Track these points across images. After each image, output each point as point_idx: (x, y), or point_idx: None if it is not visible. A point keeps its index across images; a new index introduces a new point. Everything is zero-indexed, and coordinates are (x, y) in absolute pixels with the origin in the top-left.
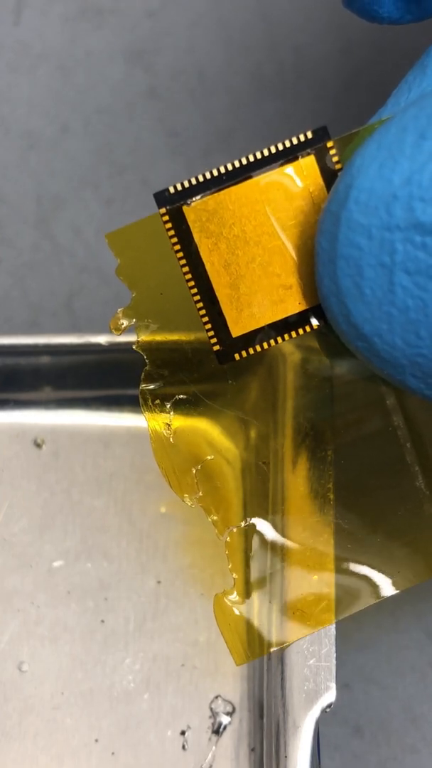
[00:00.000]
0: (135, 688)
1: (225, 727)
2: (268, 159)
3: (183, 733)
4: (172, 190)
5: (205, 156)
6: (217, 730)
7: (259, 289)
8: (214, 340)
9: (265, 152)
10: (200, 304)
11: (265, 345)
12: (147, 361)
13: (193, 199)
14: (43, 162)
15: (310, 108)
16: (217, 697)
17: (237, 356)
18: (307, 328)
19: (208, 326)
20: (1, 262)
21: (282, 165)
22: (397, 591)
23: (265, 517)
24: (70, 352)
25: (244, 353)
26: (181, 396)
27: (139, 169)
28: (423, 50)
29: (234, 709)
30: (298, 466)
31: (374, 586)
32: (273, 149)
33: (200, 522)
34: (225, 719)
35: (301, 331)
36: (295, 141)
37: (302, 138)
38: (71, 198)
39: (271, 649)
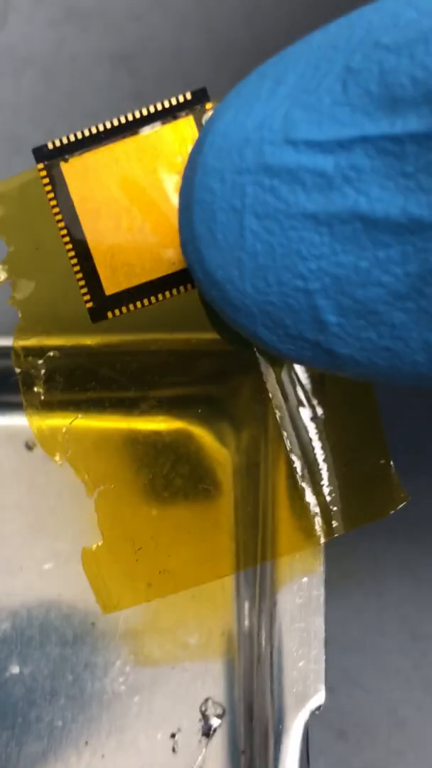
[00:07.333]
0: (125, 691)
1: (215, 730)
2: (147, 118)
3: (173, 735)
4: (50, 146)
5: None
6: (207, 733)
7: (135, 248)
8: (88, 297)
9: (144, 112)
10: (74, 260)
11: (139, 304)
12: (20, 317)
13: (72, 155)
14: (29, 167)
15: None
16: (207, 700)
17: (110, 314)
18: (182, 289)
19: (82, 283)
20: None
21: (161, 125)
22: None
23: (256, 519)
24: (61, 354)
25: (117, 312)
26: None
27: None
28: None
29: (224, 711)
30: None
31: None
32: (152, 109)
33: (191, 525)
34: (215, 722)
35: (175, 291)
36: (174, 102)
37: (181, 99)
38: None
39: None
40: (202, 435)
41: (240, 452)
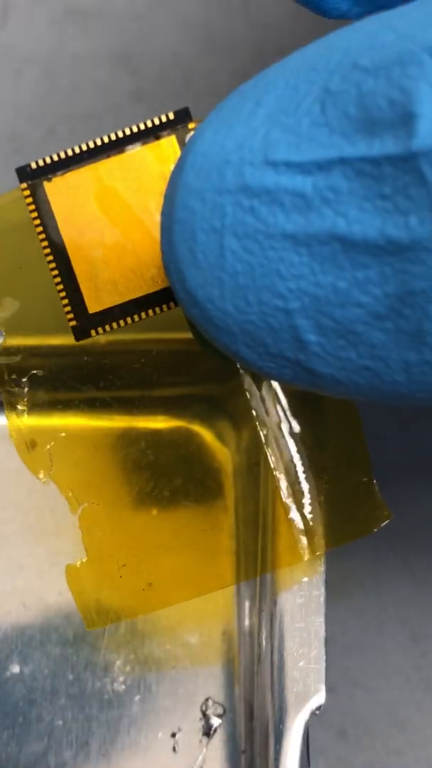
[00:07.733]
0: (126, 690)
1: (216, 730)
2: (130, 138)
3: (174, 735)
4: (33, 165)
5: None
6: (208, 733)
7: (118, 266)
8: (71, 315)
9: (127, 131)
10: (58, 279)
11: (122, 322)
12: (5, 335)
13: (55, 174)
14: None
15: None
16: (207, 700)
17: (93, 332)
18: (165, 307)
19: (65, 302)
20: None
21: (143, 144)
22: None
23: (256, 518)
24: (62, 353)
25: (100, 330)
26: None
27: None
28: None
29: (225, 711)
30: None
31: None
32: (135, 128)
33: (192, 524)
34: (216, 721)
35: (158, 309)
36: (157, 121)
37: (164, 118)
38: None
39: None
40: (202, 434)
41: (240, 451)
